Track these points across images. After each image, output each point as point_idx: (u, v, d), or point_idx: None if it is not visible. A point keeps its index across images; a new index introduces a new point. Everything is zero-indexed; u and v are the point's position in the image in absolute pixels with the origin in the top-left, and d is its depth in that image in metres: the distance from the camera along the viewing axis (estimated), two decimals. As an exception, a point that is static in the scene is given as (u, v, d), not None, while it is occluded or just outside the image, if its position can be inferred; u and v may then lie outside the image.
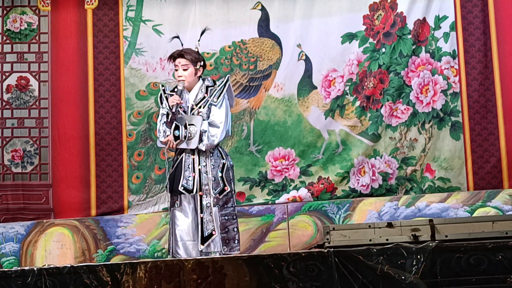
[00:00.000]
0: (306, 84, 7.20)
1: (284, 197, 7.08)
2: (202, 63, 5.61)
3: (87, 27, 7.23)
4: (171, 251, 5.49)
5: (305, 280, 4.27)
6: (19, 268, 4.45)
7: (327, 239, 4.76)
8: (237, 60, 7.25)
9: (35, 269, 4.35)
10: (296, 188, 7.10)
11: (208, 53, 7.19)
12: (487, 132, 7.08)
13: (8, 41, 7.24)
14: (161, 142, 5.61)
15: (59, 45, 7.21)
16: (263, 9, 7.26)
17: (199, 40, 5.72)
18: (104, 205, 7.07)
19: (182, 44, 5.68)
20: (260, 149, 7.18)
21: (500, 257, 4.27)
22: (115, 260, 6.73)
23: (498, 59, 7.07)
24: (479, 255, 4.29)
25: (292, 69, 7.19)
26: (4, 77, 7.21)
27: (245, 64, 7.25)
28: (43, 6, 7.25)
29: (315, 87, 7.19)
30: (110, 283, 4.31)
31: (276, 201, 7.05)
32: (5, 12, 7.27)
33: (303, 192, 7.08)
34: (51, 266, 4.42)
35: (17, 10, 7.26)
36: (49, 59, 7.21)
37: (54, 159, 7.11)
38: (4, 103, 7.19)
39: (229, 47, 7.26)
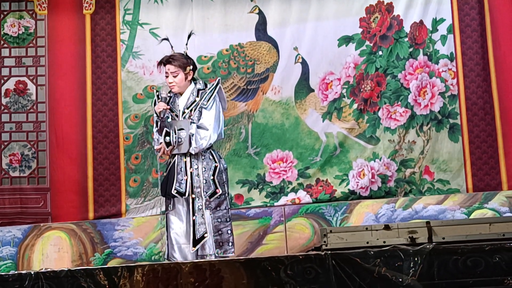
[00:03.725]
0: (303, 87, 7.20)
1: (283, 199, 7.08)
2: (191, 66, 5.59)
3: (85, 32, 7.23)
4: (167, 254, 5.49)
5: (302, 282, 4.27)
6: (16, 272, 4.45)
7: (324, 241, 4.77)
8: (234, 64, 7.25)
9: (32, 273, 4.35)
10: (294, 190, 7.11)
11: (205, 57, 7.20)
12: (486, 134, 7.08)
13: (6, 45, 7.25)
14: (156, 149, 5.62)
15: (56, 49, 7.22)
16: (260, 12, 7.26)
17: (186, 44, 5.68)
18: (102, 209, 7.06)
19: (172, 47, 5.67)
20: (258, 152, 7.19)
21: (497, 259, 4.27)
22: (112, 263, 6.72)
23: (494, 61, 7.07)
24: (476, 257, 4.28)
25: (289, 72, 7.20)
26: (2, 81, 7.22)
27: (243, 68, 7.25)
28: (39, 10, 7.25)
29: (312, 90, 7.20)
30: (107, 286, 4.31)
31: (275, 204, 7.06)
32: (2, 16, 7.27)
33: (302, 194, 7.08)
34: (48, 269, 4.42)
35: (14, 15, 7.26)
36: (46, 63, 7.21)
37: (52, 162, 7.10)
38: (2, 107, 7.20)
39: (227, 50, 7.27)
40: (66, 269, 4.39)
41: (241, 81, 7.25)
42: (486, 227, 4.75)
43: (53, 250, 6.85)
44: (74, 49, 7.21)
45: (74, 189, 7.07)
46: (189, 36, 5.71)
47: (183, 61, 5.55)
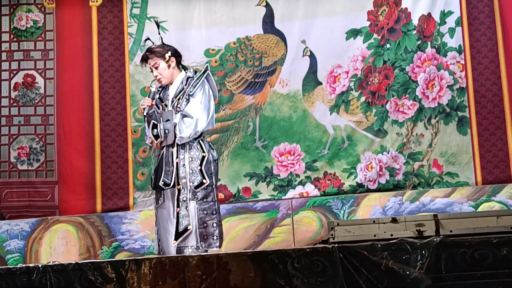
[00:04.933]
0: (311, 80, 7.20)
1: (291, 193, 7.08)
2: (170, 53, 5.43)
3: (92, 25, 7.24)
4: (161, 250, 5.32)
5: (309, 275, 4.26)
6: (24, 265, 4.47)
7: (332, 234, 4.77)
8: (242, 57, 7.25)
9: (40, 266, 4.36)
10: (302, 183, 7.11)
11: (213, 50, 7.21)
12: (494, 127, 7.06)
13: (15, 39, 7.27)
14: (149, 144, 5.54)
15: (64, 42, 7.24)
16: (267, 5, 7.26)
17: (159, 33, 5.60)
18: (110, 202, 7.08)
19: (153, 43, 5.55)
20: (266, 145, 7.19)
21: (505, 251, 4.25)
22: (120, 256, 6.74)
23: (504, 53, 7.05)
24: (483, 250, 4.27)
25: (297, 65, 7.20)
26: (12, 75, 7.24)
27: (250, 61, 7.25)
28: (48, 3, 7.27)
29: (320, 83, 7.20)
30: (115, 279, 4.32)
31: (283, 197, 7.06)
32: (12, 10, 7.29)
33: (310, 187, 7.08)
34: (56, 263, 4.43)
35: (23, 8, 7.29)
36: (54, 56, 7.24)
37: (60, 156, 7.12)
38: (11, 101, 7.22)
39: (234, 43, 7.27)
40: (73, 262, 4.40)
41: (248, 74, 7.25)
42: (493, 220, 4.74)
43: (61, 243, 6.87)
44: (82, 42, 7.22)
45: (82, 182, 7.09)
46: (158, 26, 5.64)
47: (159, 50, 5.43)
